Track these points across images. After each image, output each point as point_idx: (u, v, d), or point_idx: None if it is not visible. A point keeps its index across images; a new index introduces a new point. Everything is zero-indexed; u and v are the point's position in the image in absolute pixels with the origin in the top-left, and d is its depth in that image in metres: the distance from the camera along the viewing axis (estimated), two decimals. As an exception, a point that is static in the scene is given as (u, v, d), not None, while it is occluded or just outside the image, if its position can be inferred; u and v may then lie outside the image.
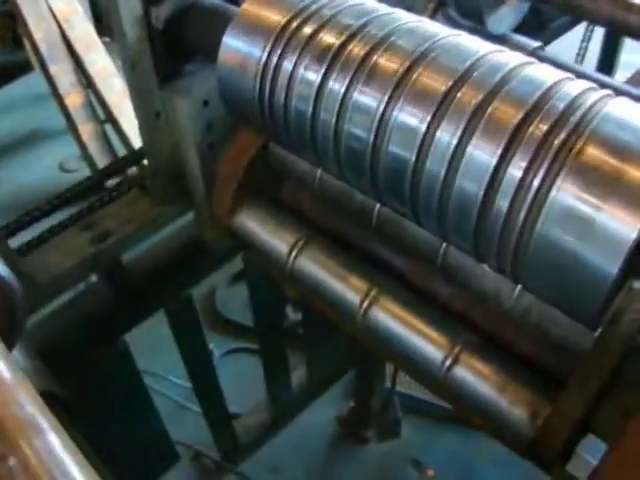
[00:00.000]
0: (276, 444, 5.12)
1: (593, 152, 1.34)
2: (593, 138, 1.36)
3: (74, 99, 5.81)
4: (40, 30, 5.61)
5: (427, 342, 1.93)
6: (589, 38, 4.79)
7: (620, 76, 3.57)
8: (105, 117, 5.91)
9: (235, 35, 1.95)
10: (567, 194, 1.34)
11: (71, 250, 2.59)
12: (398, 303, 2.02)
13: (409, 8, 1.96)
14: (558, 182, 1.35)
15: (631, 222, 1.29)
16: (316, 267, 2.20)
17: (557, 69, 1.59)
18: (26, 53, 6.87)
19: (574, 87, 1.49)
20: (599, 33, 4.88)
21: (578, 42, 4.83)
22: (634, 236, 1.29)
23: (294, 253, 2.24)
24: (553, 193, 1.36)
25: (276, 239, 2.32)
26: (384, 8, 1.81)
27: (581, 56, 4.81)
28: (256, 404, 5.06)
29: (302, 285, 2.26)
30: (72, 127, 5.90)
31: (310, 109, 1.78)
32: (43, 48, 5.62)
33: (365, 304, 2.05)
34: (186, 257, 2.96)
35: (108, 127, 5.97)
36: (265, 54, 1.87)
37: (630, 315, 1.71)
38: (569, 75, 1.56)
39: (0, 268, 1.87)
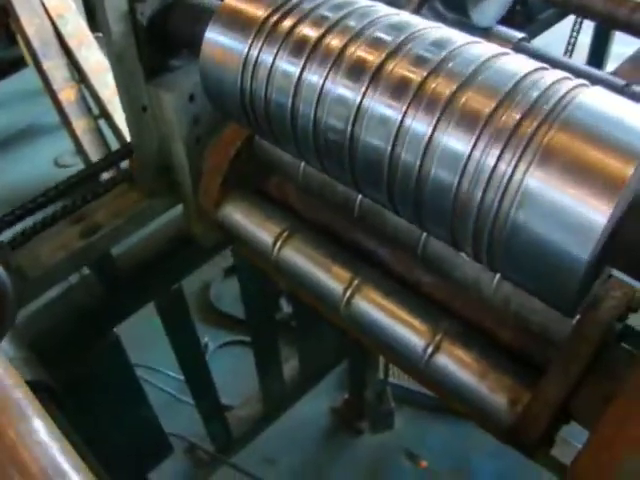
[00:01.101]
0: (270, 436, 5.15)
1: (563, 139, 1.36)
2: (563, 126, 1.37)
3: (68, 94, 5.83)
4: (33, 25, 5.63)
5: (409, 330, 1.95)
6: (578, 30, 4.80)
7: (611, 68, 3.58)
8: (99, 112, 5.93)
9: (216, 29, 1.96)
10: (538, 181, 1.36)
11: (61, 243, 2.61)
12: (380, 292, 2.04)
13: (394, 0, 1.99)
14: (530, 169, 1.37)
15: (601, 208, 1.31)
16: (300, 257, 2.22)
17: (532, 59, 1.61)
18: (20, 49, 6.87)
19: (548, 77, 1.51)
20: (590, 25, 4.90)
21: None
22: (604, 222, 1.31)
23: (279, 244, 2.26)
24: (525, 180, 1.38)
25: (261, 231, 2.34)
26: (363, 1, 1.83)
27: (570, 48, 4.82)
28: (249, 396, 5.08)
29: (288, 275, 2.28)
30: (66, 122, 5.92)
31: (289, 102, 1.79)
32: (36, 44, 5.64)
33: (348, 293, 2.07)
34: (175, 250, 2.98)
35: (102, 122, 5.98)
36: (246, 48, 1.89)
37: (609, 302, 1.74)
38: (544, 65, 1.58)
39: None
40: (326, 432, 5.49)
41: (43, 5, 5.66)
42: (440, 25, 1.76)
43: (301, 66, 1.76)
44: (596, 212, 1.31)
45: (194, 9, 2.33)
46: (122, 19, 2.31)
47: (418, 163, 1.54)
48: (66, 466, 1.30)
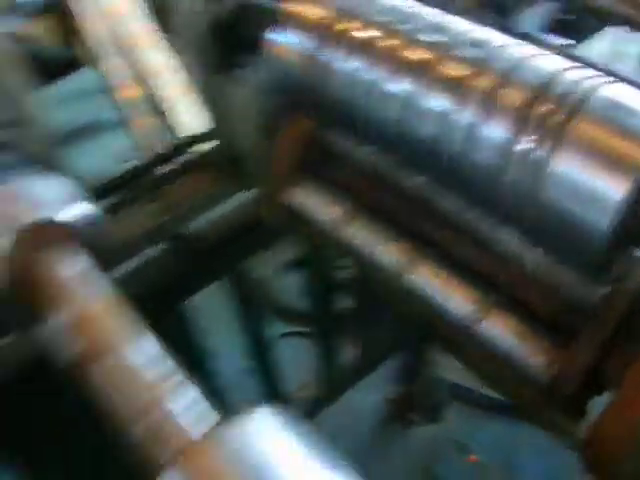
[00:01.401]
0: (323, 422, 5.22)
1: (587, 127, 1.59)
2: (588, 115, 1.60)
3: (130, 93, 6.02)
4: (97, 24, 5.84)
5: (460, 298, 2.18)
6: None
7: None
8: (159, 111, 6.13)
9: (283, 29, 2.22)
10: (566, 163, 1.59)
11: (140, 220, 2.86)
12: (434, 266, 2.26)
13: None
14: (558, 153, 1.60)
15: (620, 184, 1.55)
16: (362, 234, 2.44)
17: (568, 60, 1.83)
18: (76, 50, 7.06)
19: (578, 73, 1.73)
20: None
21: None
22: (621, 195, 1.54)
23: (341, 223, 2.49)
24: (553, 162, 1.61)
25: (325, 212, 2.57)
26: (413, 5, 2.07)
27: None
28: (305, 382, 5.26)
29: (349, 252, 2.51)
30: (126, 120, 6.11)
31: (350, 95, 2.04)
32: (99, 42, 5.85)
33: (405, 266, 2.29)
34: (244, 231, 3.21)
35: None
36: (309, 46, 2.14)
37: (636, 276, 1.94)
38: (577, 64, 1.80)
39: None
40: (378, 422, 5.64)
41: (107, 4, 5.86)
42: (485, 28, 1.99)
43: (360, 63, 2.00)
44: (615, 187, 1.54)
45: (263, 11, 2.57)
46: (199, 18, 2.56)
47: (464, 149, 1.77)
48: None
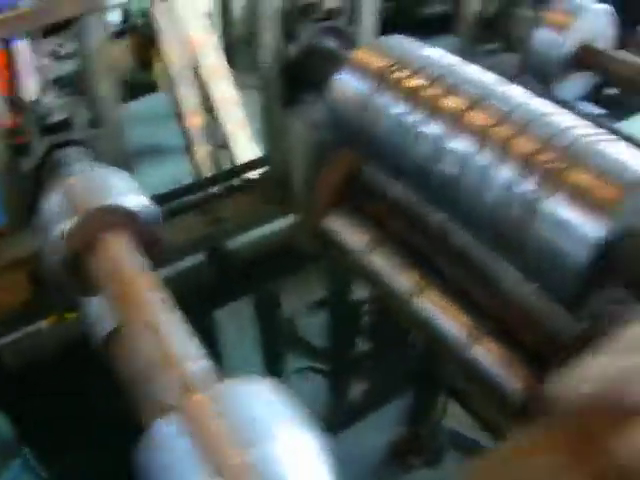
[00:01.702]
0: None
1: (576, 176, 1.96)
2: (579, 167, 1.96)
3: (195, 121, 6.26)
4: (176, 54, 6.09)
5: (456, 324, 2.50)
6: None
7: None
8: (220, 142, 6.36)
9: (346, 73, 2.58)
10: (554, 204, 1.95)
11: (187, 228, 3.19)
12: (439, 294, 2.58)
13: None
14: (550, 195, 1.96)
15: (598, 225, 1.90)
16: (384, 262, 2.79)
17: (580, 118, 2.19)
18: (152, 75, 7.31)
19: (582, 130, 2.09)
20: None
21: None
22: (599, 234, 1.90)
23: (367, 251, 2.82)
24: (545, 202, 1.96)
25: (354, 239, 2.90)
26: (457, 62, 2.45)
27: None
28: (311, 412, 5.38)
29: (371, 276, 2.82)
30: (189, 146, 6.35)
31: (397, 140, 2.42)
32: (175, 71, 6.11)
33: (415, 291, 2.62)
34: (278, 254, 3.51)
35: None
36: (368, 91, 2.49)
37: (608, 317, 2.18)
38: (586, 122, 2.15)
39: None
40: (378, 463, 5.78)
41: (188, 37, 6.15)
42: (512, 85, 2.36)
43: (407, 110, 2.36)
44: (595, 227, 1.90)
45: (329, 54, 2.94)
46: (273, 55, 2.92)
47: (479, 187, 2.12)
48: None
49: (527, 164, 2.02)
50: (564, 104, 3.32)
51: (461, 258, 2.57)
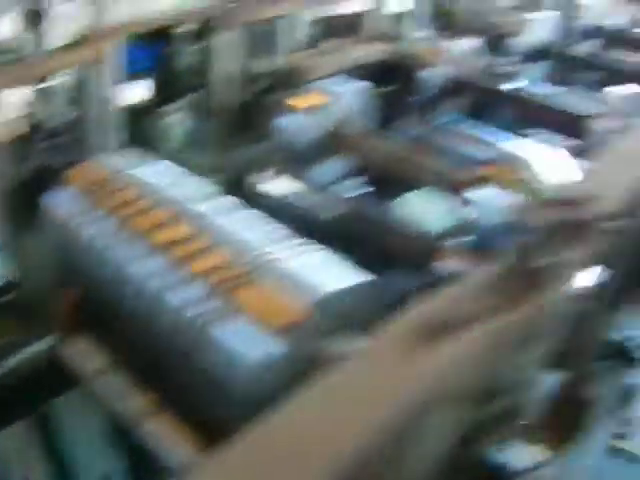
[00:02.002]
0: None
1: (249, 296, 1.92)
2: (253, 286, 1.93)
3: None
4: None
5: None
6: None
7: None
8: None
9: (59, 194, 2.54)
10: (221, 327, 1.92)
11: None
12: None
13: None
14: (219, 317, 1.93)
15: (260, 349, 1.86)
16: (111, 386, 2.67)
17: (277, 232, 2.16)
18: None
19: (271, 247, 2.06)
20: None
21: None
22: (259, 358, 1.85)
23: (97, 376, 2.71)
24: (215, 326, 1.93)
25: (87, 364, 2.79)
26: (165, 180, 2.45)
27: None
28: None
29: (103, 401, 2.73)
30: None
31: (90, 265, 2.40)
32: None
33: (145, 415, 2.52)
34: (44, 376, 3.37)
35: None
36: (74, 211, 2.45)
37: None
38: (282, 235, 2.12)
39: None
40: None
41: None
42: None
43: (99, 232, 2.35)
44: (257, 351, 1.84)
45: (49, 172, 2.87)
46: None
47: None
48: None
49: (205, 285, 1.99)
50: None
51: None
